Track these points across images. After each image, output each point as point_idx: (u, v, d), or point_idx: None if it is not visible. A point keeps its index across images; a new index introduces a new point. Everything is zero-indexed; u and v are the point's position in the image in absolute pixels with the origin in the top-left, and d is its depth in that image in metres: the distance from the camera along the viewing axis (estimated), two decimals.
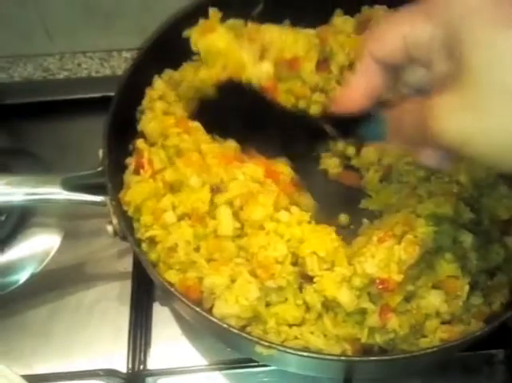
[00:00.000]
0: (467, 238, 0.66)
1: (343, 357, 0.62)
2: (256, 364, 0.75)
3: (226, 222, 0.68)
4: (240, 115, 0.73)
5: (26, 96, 0.98)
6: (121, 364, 0.77)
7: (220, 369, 0.77)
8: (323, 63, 0.81)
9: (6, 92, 0.98)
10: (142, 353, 0.78)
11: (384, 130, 0.52)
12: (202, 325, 0.70)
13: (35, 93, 0.98)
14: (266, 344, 0.59)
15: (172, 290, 0.63)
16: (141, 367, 0.77)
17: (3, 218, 0.89)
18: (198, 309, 0.61)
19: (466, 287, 0.65)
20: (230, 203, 0.68)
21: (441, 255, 0.66)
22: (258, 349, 0.59)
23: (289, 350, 0.59)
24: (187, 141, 0.73)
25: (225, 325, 0.60)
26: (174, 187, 0.71)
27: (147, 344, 0.79)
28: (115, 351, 0.79)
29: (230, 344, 0.71)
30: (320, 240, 0.66)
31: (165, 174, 0.71)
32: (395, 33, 0.49)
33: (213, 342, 0.78)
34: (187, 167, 0.70)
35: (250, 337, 0.60)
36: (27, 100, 0.97)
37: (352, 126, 0.58)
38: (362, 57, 0.52)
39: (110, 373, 0.75)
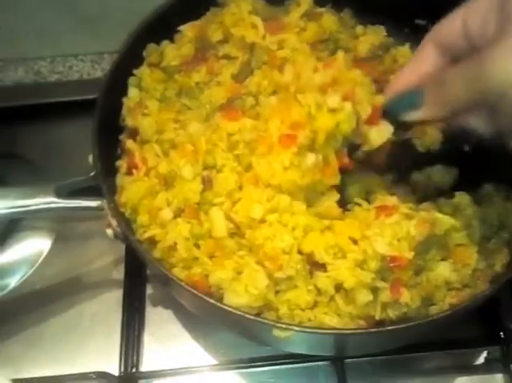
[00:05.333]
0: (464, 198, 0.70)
1: (359, 330, 0.63)
2: (247, 365, 0.76)
3: (218, 224, 0.68)
4: None
5: (18, 100, 0.98)
6: (113, 367, 0.76)
7: (211, 370, 0.77)
8: None
9: None
10: (134, 356, 0.78)
11: (418, 101, 0.56)
12: (214, 317, 0.71)
13: (26, 96, 0.99)
14: (283, 326, 0.59)
15: (182, 283, 0.63)
16: (133, 370, 0.77)
17: None
18: (211, 300, 0.61)
19: (475, 255, 0.66)
20: (221, 204, 0.69)
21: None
22: (276, 332, 0.59)
23: (306, 329, 0.60)
24: (182, 135, 0.73)
25: (240, 313, 0.60)
26: (167, 182, 0.71)
27: (139, 346, 0.79)
28: (107, 354, 0.78)
29: (245, 333, 0.70)
30: (319, 234, 0.66)
31: (159, 167, 0.71)
32: (456, 15, 0.56)
33: (204, 344, 0.79)
34: (181, 159, 0.70)
35: (266, 321, 0.61)
36: (19, 103, 0.97)
37: None
38: (423, 43, 0.60)
39: (102, 375, 0.75)
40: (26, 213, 0.74)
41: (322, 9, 0.83)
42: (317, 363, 0.75)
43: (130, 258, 0.84)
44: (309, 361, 0.75)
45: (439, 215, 0.66)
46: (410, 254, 0.63)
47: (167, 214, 0.68)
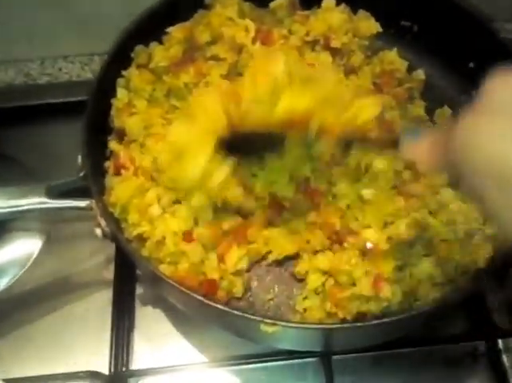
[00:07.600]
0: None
1: (343, 325, 0.65)
2: (237, 362, 0.76)
3: None
4: None
5: (8, 101, 0.98)
6: (104, 366, 0.76)
7: (201, 368, 0.77)
8: None
9: None
10: (124, 355, 0.78)
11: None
12: (202, 313, 0.71)
13: (17, 98, 0.99)
14: (270, 321, 0.60)
15: (171, 281, 0.63)
16: (123, 368, 0.77)
17: None
18: (199, 296, 0.62)
19: (459, 251, 0.68)
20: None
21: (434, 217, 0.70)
22: (263, 327, 0.61)
23: (291, 324, 0.62)
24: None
25: (227, 309, 0.61)
26: (153, 177, 0.73)
27: (128, 345, 0.79)
28: (97, 353, 0.78)
29: (233, 329, 0.71)
30: None
31: (143, 162, 0.73)
32: None
33: (193, 342, 0.79)
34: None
35: (253, 317, 0.61)
36: (9, 105, 0.97)
37: None
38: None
39: (92, 374, 0.75)
40: (18, 213, 0.74)
41: (308, 12, 0.84)
42: (305, 360, 0.75)
43: (120, 258, 0.84)
44: (297, 358, 0.75)
45: (432, 221, 0.68)
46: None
47: (155, 209, 0.70)
